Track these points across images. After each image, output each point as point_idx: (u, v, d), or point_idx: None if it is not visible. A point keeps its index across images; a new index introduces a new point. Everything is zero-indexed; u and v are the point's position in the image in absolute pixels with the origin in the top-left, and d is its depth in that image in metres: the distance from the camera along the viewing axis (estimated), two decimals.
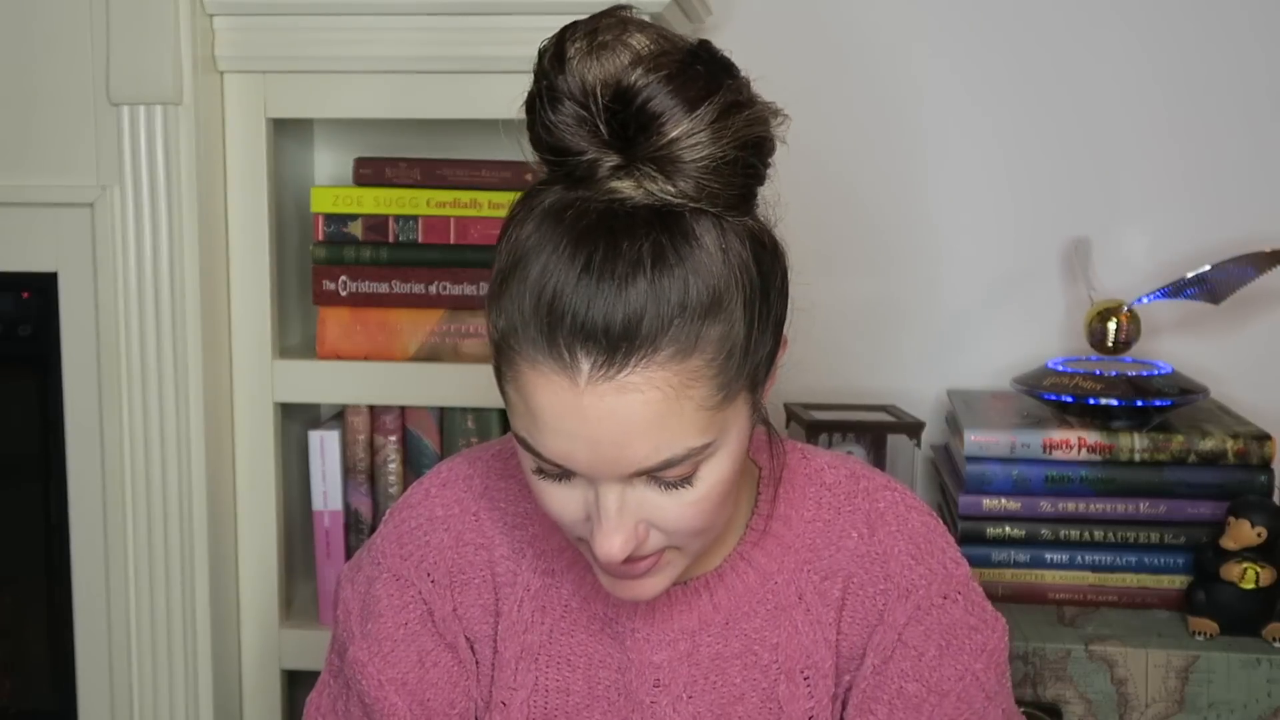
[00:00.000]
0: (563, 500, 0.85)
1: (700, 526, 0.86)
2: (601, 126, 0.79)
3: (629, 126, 0.79)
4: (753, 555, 0.97)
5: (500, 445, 1.06)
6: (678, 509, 0.84)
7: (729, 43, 0.87)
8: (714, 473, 0.84)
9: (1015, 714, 1.01)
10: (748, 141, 0.81)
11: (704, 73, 0.80)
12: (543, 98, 0.80)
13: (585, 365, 0.78)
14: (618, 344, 0.77)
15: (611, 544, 0.83)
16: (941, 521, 1.01)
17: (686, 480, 0.83)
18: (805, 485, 0.99)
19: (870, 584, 0.96)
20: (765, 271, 0.85)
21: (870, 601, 0.96)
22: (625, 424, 0.79)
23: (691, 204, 0.80)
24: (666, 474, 0.82)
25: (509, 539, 1.01)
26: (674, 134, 0.78)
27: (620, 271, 0.78)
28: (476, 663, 1.01)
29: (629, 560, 0.86)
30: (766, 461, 1.00)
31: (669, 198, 0.80)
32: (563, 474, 0.84)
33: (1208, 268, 1.49)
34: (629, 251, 0.78)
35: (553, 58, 0.81)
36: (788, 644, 0.96)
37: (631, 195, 0.80)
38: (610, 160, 0.80)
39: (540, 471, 0.85)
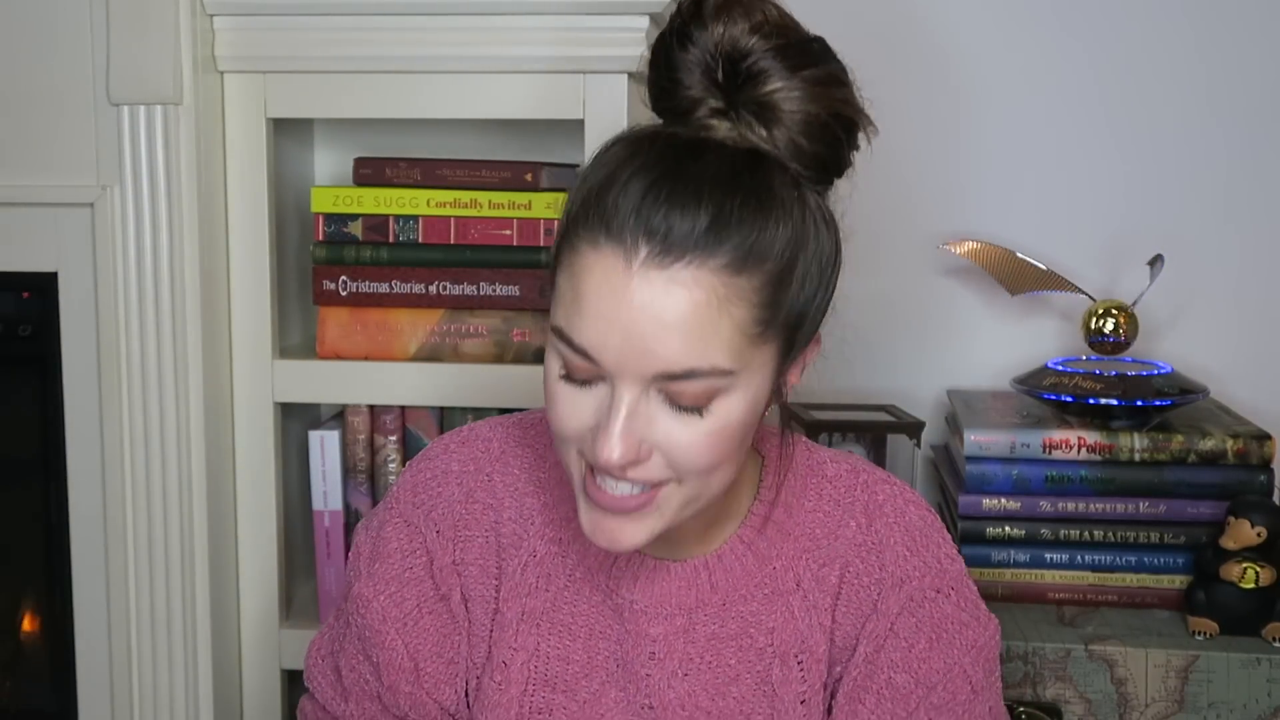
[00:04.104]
0: (576, 405, 0.87)
1: (702, 464, 0.87)
2: (718, 74, 0.86)
3: (738, 77, 0.86)
4: (753, 540, 0.99)
5: (522, 417, 1.08)
6: (686, 437, 0.85)
7: None
8: (726, 410, 0.86)
9: (1003, 714, 1.02)
10: (841, 114, 0.88)
11: (815, 51, 0.88)
12: (674, 35, 0.87)
13: (643, 250, 0.82)
14: (678, 239, 0.82)
15: (612, 448, 0.84)
16: (940, 518, 1.02)
17: (699, 409, 0.85)
18: (807, 476, 1.02)
19: (866, 573, 0.99)
20: (823, 243, 0.89)
21: (865, 591, 0.99)
22: (665, 316, 0.82)
23: (779, 154, 0.87)
24: (685, 387, 0.84)
25: (518, 504, 1.03)
26: (775, 85, 0.86)
27: (701, 180, 0.83)
28: (470, 621, 1.03)
29: (620, 500, 0.87)
30: (772, 451, 1.02)
31: (760, 143, 0.86)
32: (585, 376, 0.86)
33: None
34: (713, 167, 0.84)
35: (691, 4, 0.87)
36: (783, 628, 0.99)
37: (727, 136, 0.87)
38: (714, 102, 0.87)
39: (565, 375, 0.87)
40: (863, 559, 0.99)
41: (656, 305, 0.82)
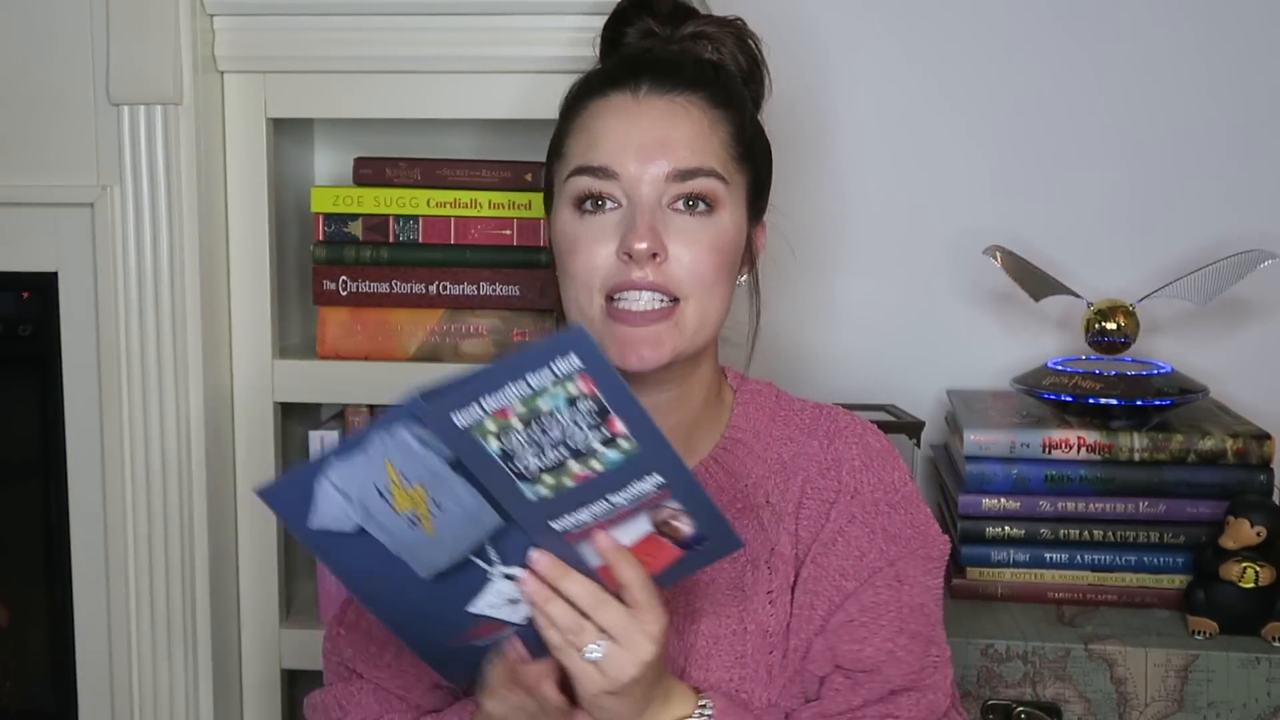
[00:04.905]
0: (597, 234, 1.02)
1: (705, 270, 1.02)
2: (666, 32, 1.11)
3: (670, 27, 1.11)
4: (726, 460, 1.11)
5: None
6: (692, 244, 1.01)
7: None
8: (722, 222, 1.03)
9: (939, 620, 1.08)
10: (752, 47, 1.12)
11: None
12: (632, 4, 1.13)
13: (645, 85, 1.04)
14: (670, 79, 1.04)
15: (642, 236, 0.99)
16: (897, 451, 1.13)
17: (709, 210, 1.02)
18: (774, 407, 1.14)
19: (825, 487, 1.09)
20: (765, 139, 1.10)
21: (822, 505, 1.09)
22: (670, 128, 1.03)
23: (728, 65, 1.09)
24: (692, 186, 1.02)
25: None
26: (695, 25, 1.10)
27: (681, 54, 1.08)
28: None
29: (647, 313, 1.00)
30: (740, 388, 1.15)
31: (711, 56, 1.09)
32: (604, 195, 1.02)
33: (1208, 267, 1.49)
34: (686, 54, 1.08)
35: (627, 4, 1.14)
36: (754, 539, 1.08)
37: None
38: (658, 42, 1.11)
39: (582, 208, 1.03)
40: (822, 474, 1.09)
41: (663, 121, 1.03)
